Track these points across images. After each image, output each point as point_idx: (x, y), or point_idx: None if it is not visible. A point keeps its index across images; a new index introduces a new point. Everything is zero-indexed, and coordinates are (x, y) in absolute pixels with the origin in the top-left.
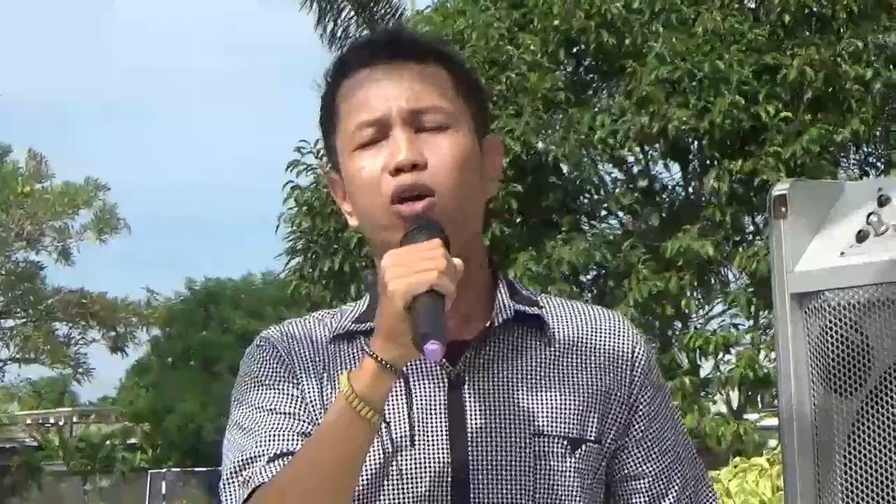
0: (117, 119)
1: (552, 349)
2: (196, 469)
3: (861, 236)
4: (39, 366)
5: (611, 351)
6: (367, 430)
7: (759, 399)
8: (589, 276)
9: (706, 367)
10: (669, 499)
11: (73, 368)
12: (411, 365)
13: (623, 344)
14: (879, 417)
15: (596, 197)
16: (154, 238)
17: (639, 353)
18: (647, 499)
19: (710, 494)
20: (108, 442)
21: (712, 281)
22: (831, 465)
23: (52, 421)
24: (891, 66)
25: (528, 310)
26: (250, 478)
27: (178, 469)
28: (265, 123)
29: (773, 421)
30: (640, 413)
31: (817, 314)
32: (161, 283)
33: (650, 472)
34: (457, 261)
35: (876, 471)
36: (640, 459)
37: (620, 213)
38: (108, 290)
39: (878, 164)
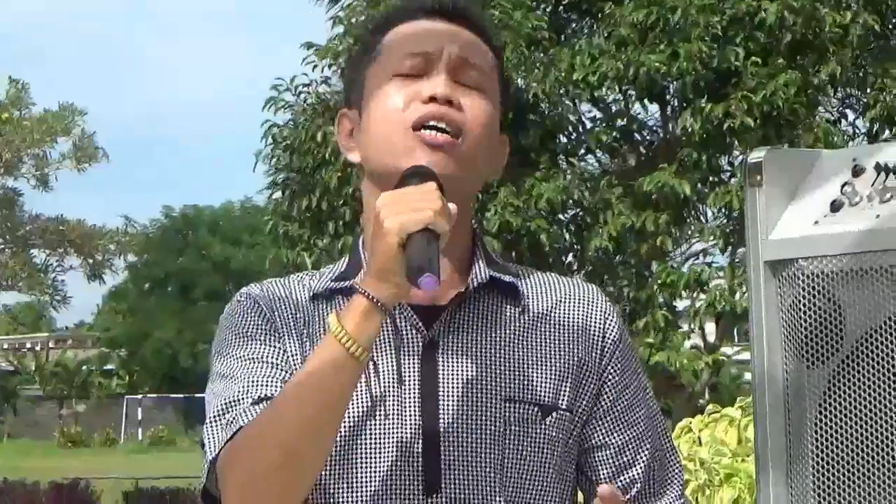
0: (98, 46)
1: (526, 317)
2: (172, 395)
3: (836, 206)
4: (16, 293)
5: (583, 321)
6: (355, 369)
7: (735, 332)
8: (567, 214)
9: (684, 305)
10: (634, 471)
11: (50, 296)
12: (386, 327)
13: (596, 315)
14: (851, 387)
15: (575, 135)
16: (133, 165)
17: (611, 324)
18: (611, 470)
19: (677, 470)
20: (84, 367)
21: (689, 219)
22: (802, 434)
23: (28, 346)
24: (869, 10)
25: (503, 277)
26: (233, 419)
27: (155, 395)
28: (250, 53)
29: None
30: (610, 383)
31: (791, 282)
32: (139, 210)
33: (616, 443)
34: (452, 206)
35: (847, 440)
36: (607, 430)
37: (599, 152)
38: (87, 217)
39: (857, 106)
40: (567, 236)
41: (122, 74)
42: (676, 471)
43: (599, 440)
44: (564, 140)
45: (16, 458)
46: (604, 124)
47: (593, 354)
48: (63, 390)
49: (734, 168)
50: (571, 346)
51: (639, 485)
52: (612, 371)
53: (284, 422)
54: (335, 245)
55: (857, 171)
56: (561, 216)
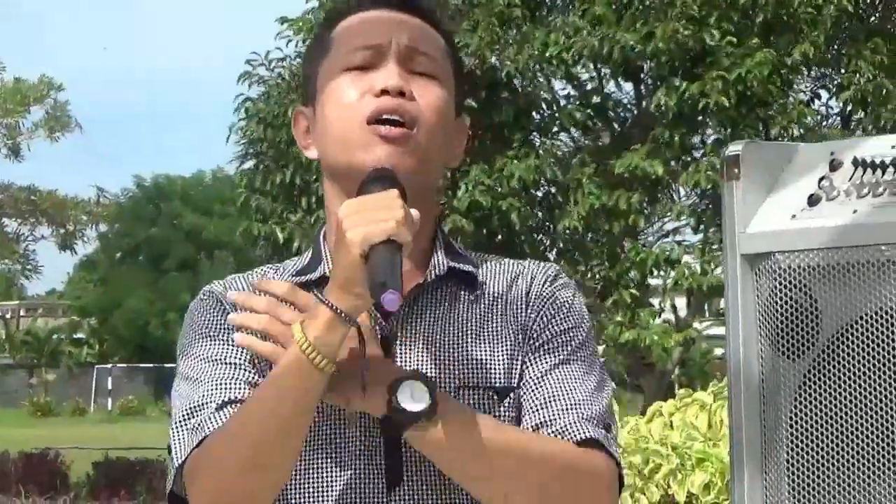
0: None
1: (481, 303)
2: (142, 365)
3: (813, 200)
4: None
5: (529, 290)
6: (320, 379)
7: (706, 308)
8: (540, 192)
9: (656, 282)
10: (538, 416)
11: (21, 265)
12: None
13: (540, 281)
14: (826, 380)
15: (548, 113)
16: (105, 132)
17: (536, 279)
18: (514, 413)
19: (592, 399)
20: (54, 336)
21: (661, 198)
22: (778, 426)
23: None
24: None
25: (461, 266)
26: (199, 425)
27: (125, 364)
28: (229, 23)
29: (721, 329)
30: (533, 332)
31: (767, 276)
32: (111, 179)
33: (526, 387)
34: (414, 212)
35: (821, 433)
36: (524, 374)
37: (573, 130)
38: (59, 186)
39: (830, 86)
40: (539, 215)
41: (94, 40)
42: (593, 400)
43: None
44: (538, 118)
45: None
46: (578, 102)
47: (536, 316)
48: (33, 359)
49: (706, 147)
50: (518, 317)
51: (543, 412)
52: (538, 320)
53: (251, 431)
54: (307, 220)
55: (835, 166)
56: (534, 194)
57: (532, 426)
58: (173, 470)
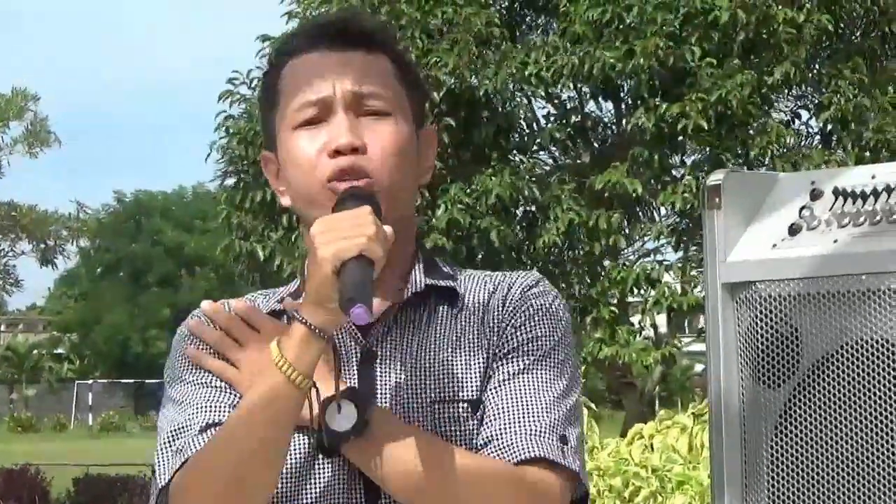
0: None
1: (461, 317)
2: (123, 381)
3: (793, 229)
4: None
5: (506, 296)
6: (298, 396)
7: (686, 325)
8: (519, 211)
9: (637, 300)
10: (489, 430)
11: (2, 280)
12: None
13: (519, 286)
14: (806, 410)
15: (528, 132)
16: (85, 148)
17: (514, 287)
18: (474, 423)
19: (548, 416)
20: (35, 351)
21: (642, 217)
22: (758, 455)
23: None
24: (822, 9)
25: (439, 283)
26: (182, 447)
27: (105, 380)
28: (212, 37)
29: (701, 346)
30: (503, 336)
31: (748, 305)
32: (91, 193)
33: (486, 397)
34: (387, 228)
35: (802, 462)
36: (487, 391)
37: (553, 149)
38: (39, 200)
39: (811, 106)
40: (518, 233)
41: (76, 54)
42: (547, 417)
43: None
44: (517, 137)
45: None
46: (557, 121)
47: (510, 319)
48: (13, 374)
49: (685, 167)
50: (493, 324)
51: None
52: (508, 327)
53: (232, 450)
54: (288, 237)
55: (816, 195)
56: (512, 213)
57: (482, 441)
58: (156, 491)
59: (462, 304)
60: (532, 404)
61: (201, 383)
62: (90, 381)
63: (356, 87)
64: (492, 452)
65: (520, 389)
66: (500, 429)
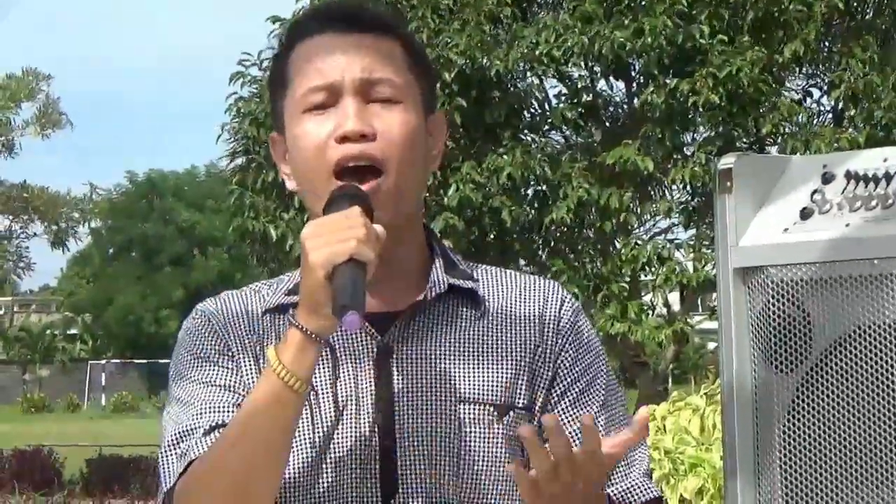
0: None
1: (485, 320)
2: (136, 361)
3: (805, 213)
4: None
5: (538, 315)
6: (297, 401)
7: (699, 303)
8: (531, 190)
9: (649, 279)
10: None
11: (13, 262)
12: (341, 336)
13: (551, 305)
14: (818, 394)
15: (539, 111)
16: (97, 126)
17: (563, 313)
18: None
19: (639, 454)
20: (48, 332)
21: (653, 195)
22: (770, 439)
23: None
24: None
25: (461, 283)
26: (187, 450)
27: (118, 360)
28: (219, 11)
29: (713, 324)
30: (563, 372)
31: (760, 289)
32: (104, 173)
33: (570, 431)
34: (378, 228)
35: (814, 448)
36: (562, 417)
37: (564, 128)
38: (50, 181)
39: (822, 84)
40: (530, 212)
41: (87, 35)
42: (639, 452)
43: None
44: (529, 116)
45: None
46: (569, 100)
47: (548, 343)
48: (27, 355)
49: (696, 145)
50: (527, 341)
51: None
52: (564, 358)
53: (233, 455)
54: (300, 218)
55: (828, 179)
56: (524, 192)
57: None
58: (161, 495)
59: (484, 308)
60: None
61: (206, 382)
62: (103, 362)
63: (366, 74)
64: (619, 494)
65: (615, 418)
66: (614, 476)
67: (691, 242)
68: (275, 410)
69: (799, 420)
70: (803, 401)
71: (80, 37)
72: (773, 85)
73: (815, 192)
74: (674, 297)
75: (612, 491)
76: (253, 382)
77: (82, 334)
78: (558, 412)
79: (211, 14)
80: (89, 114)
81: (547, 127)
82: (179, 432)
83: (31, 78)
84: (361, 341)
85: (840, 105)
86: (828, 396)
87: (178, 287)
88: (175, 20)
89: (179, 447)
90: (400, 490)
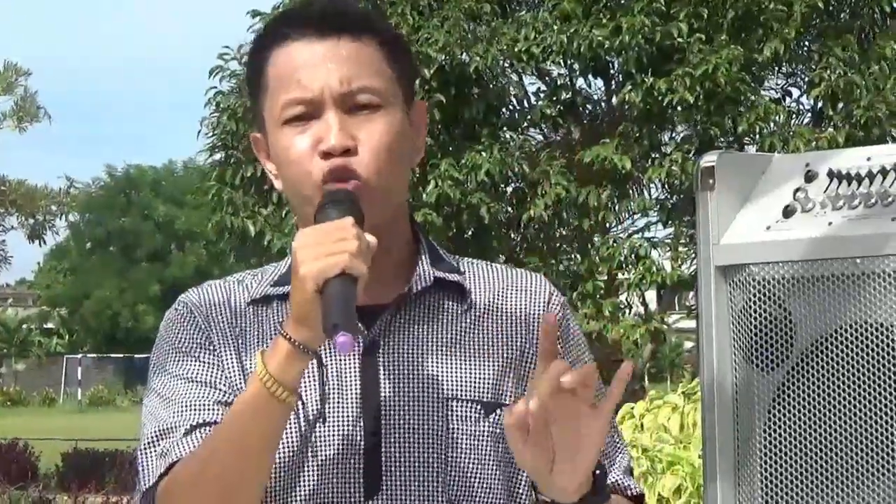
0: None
1: (471, 314)
2: (112, 355)
3: (788, 211)
4: None
5: (527, 310)
6: (283, 410)
7: (676, 302)
8: (509, 187)
9: (626, 277)
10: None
11: None
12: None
13: (538, 301)
14: (800, 394)
15: (518, 108)
16: (75, 120)
17: (552, 308)
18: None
19: (620, 450)
20: (24, 326)
21: (631, 193)
22: (751, 438)
23: None
24: None
25: (447, 276)
26: (167, 450)
27: (95, 355)
28: (196, 11)
29: (690, 323)
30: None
31: (741, 287)
32: (81, 167)
33: None
34: (370, 238)
35: (795, 446)
36: None
37: (543, 125)
38: (27, 173)
39: (801, 83)
40: (508, 209)
41: (64, 27)
42: (622, 451)
43: None
44: (508, 113)
45: None
46: (548, 98)
47: (536, 340)
48: (3, 349)
49: (674, 143)
50: (515, 337)
51: None
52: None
53: (219, 459)
54: (278, 213)
55: (810, 177)
56: (502, 189)
57: None
58: (139, 495)
59: (470, 301)
60: (617, 439)
61: (187, 378)
62: (79, 356)
63: (345, 86)
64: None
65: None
66: (611, 461)
67: (668, 241)
68: (260, 418)
69: (780, 419)
70: (784, 400)
71: (59, 34)
72: (752, 84)
73: (797, 190)
74: (651, 296)
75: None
76: (234, 376)
77: (59, 328)
78: None
79: (190, 7)
80: (68, 109)
81: (526, 124)
82: (159, 430)
83: (11, 73)
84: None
85: (819, 104)
86: (809, 396)
87: (156, 282)
88: (154, 15)
89: (159, 445)
90: (384, 488)
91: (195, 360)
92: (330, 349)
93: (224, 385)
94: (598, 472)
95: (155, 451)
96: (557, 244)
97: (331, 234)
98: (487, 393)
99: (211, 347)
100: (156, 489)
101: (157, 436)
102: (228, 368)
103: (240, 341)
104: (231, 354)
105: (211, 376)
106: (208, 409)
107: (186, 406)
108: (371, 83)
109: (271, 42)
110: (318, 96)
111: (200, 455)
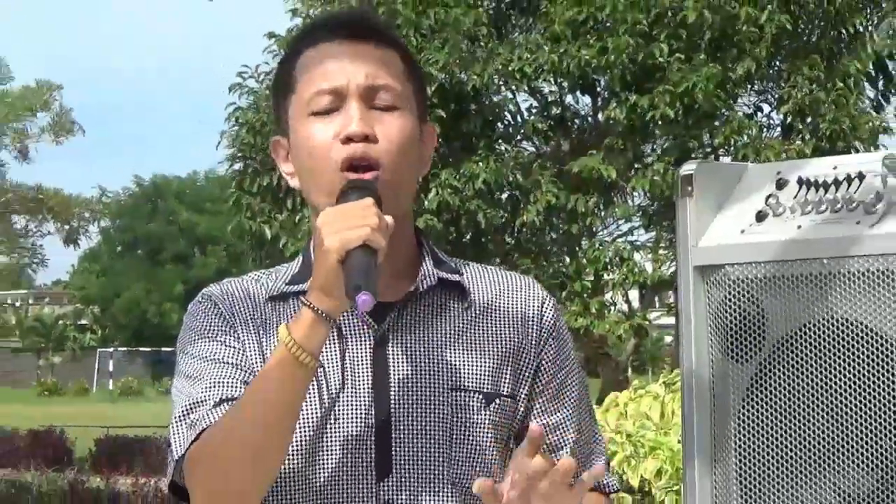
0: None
1: (471, 312)
2: (141, 349)
3: (760, 216)
4: None
5: (521, 311)
6: (305, 374)
7: (657, 300)
8: (504, 195)
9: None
10: (564, 450)
11: (28, 258)
12: (340, 324)
13: (532, 304)
14: (771, 384)
15: (512, 123)
16: (106, 132)
17: (545, 312)
18: (545, 447)
19: (600, 446)
20: (60, 322)
21: (615, 200)
22: (727, 425)
23: (9, 301)
24: (782, 10)
25: (449, 277)
26: (197, 420)
27: (125, 349)
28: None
29: (670, 320)
30: (545, 365)
31: (718, 286)
32: (112, 175)
33: (548, 422)
34: (388, 218)
35: (767, 432)
36: (541, 410)
37: (535, 138)
38: (63, 184)
39: (772, 100)
40: (503, 215)
41: (96, 46)
42: (600, 446)
43: (531, 420)
44: (503, 127)
45: None
46: (539, 113)
47: (531, 339)
48: (40, 343)
49: (655, 155)
50: (511, 334)
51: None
52: (547, 354)
53: (245, 423)
54: (292, 218)
55: (781, 184)
56: (497, 196)
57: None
58: (172, 462)
59: (470, 300)
60: (596, 436)
61: (213, 359)
62: (111, 350)
63: (369, 80)
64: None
65: (580, 415)
66: (583, 463)
67: (650, 245)
68: (284, 382)
69: (753, 407)
70: (758, 389)
71: (92, 50)
72: (727, 100)
73: (769, 196)
74: (634, 295)
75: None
76: (255, 362)
77: (92, 325)
78: (540, 403)
79: (213, 32)
80: (100, 122)
81: (519, 137)
82: (189, 404)
83: (46, 89)
84: (360, 329)
85: (788, 119)
86: (780, 385)
87: (180, 282)
88: (179, 37)
89: (189, 418)
90: (394, 469)
91: (220, 344)
92: (348, 340)
93: (247, 366)
94: None
95: (185, 422)
96: (548, 247)
97: (352, 211)
98: (487, 384)
99: (235, 334)
100: (185, 457)
101: (187, 410)
102: (250, 352)
103: (261, 331)
104: (253, 341)
105: (234, 358)
106: (234, 387)
107: (214, 383)
108: (393, 84)
109: (302, 45)
110: (343, 87)
111: (226, 421)
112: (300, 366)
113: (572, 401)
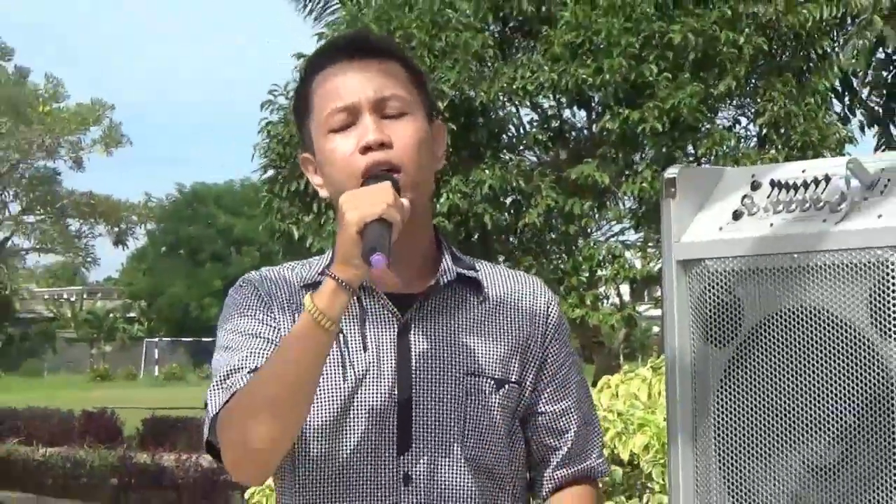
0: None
1: (485, 305)
2: (183, 339)
3: (737, 215)
4: (55, 255)
5: (531, 307)
6: (326, 338)
7: (645, 294)
8: (508, 199)
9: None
10: (566, 435)
11: (82, 258)
12: (368, 313)
13: (540, 303)
14: (746, 366)
15: (515, 135)
16: (152, 144)
17: (552, 311)
18: (547, 433)
19: (598, 434)
20: (111, 315)
21: (608, 204)
22: (707, 403)
23: (64, 297)
24: (759, 33)
25: (467, 273)
26: (232, 385)
27: (168, 339)
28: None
29: (658, 311)
30: (551, 359)
31: (698, 278)
32: (156, 183)
33: (553, 410)
34: (404, 200)
35: (743, 410)
36: (547, 399)
37: (536, 149)
38: (113, 191)
39: (749, 113)
40: (507, 217)
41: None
42: (597, 434)
43: (539, 408)
44: (507, 139)
45: (54, 390)
46: (540, 126)
47: (537, 334)
48: (93, 334)
49: (644, 163)
50: (521, 328)
51: (569, 445)
52: (552, 349)
53: (270, 382)
54: (318, 220)
55: (755, 186)
56: (502, 200)
57: (566, 447)
58: (208, 422)
59: (484, 295)
60: (594, 422)
61: (251, 334)
62: (156, 340)
63: (378, 94)
64: (582, 469)
65: (581, 404)
66: (583, 446)
67: (639, 244)
68: (307, 344)
69: (731, 387)
70: (734, 371)
71: (140, 78)
72: (709, 114)
73: (744, 197)
74: (625, 289)
75: (574, 470)
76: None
77: (139, 317)
78: (547, 394)
79: (246, 54)
80: (146, 134)
81: (522, 147)
82: (227, 371)
83: (98, 107)
84: (385, 318)
85: (763, 131)
86: (755, 367)
87: (218, 279)
88: (218, 59)
89: (226, 383)
90: (413, 444)
91: (257, 321)
92: (372, 326)
93: (279, 341)
94: None
95: (222, 387)
96: (548, 246)
97: (371, 191)
98: (498, 371)
99: (270, 313)
100: (218, 416)
101: (225, 376)
102: (284, 331)
103: (296, 315)
104: (287, 321)
105: (270, 334)
106: (266, 358)
107: (249, 353)
108: (399, 92)
109: (312, 72)
110: (356, 103)
111: (254, 383)
112: (322, 330)
113: (574, 390)
